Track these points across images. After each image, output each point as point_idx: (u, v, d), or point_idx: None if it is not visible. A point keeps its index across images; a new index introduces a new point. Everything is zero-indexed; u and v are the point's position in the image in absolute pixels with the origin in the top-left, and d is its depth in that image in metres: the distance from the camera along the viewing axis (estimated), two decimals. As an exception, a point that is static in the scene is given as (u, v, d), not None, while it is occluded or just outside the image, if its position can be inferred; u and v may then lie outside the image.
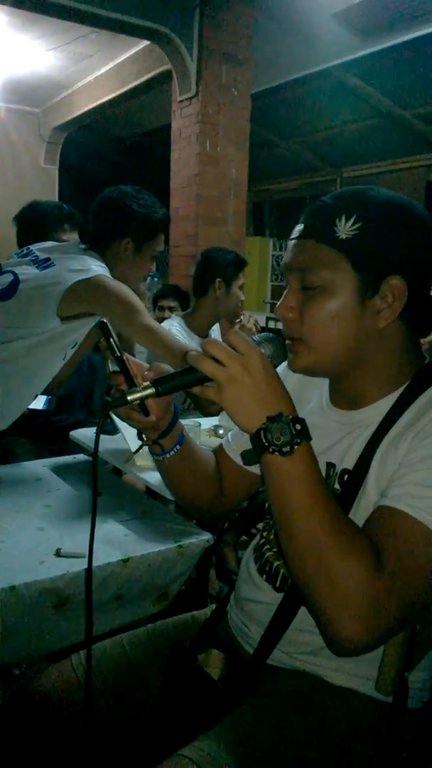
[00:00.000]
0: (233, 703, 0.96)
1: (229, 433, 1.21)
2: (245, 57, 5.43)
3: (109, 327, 0.91)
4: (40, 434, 2.35)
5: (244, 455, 0.85)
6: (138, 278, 1.98)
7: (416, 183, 9.21)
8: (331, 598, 0.75)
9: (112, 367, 0.93)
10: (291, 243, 0.94)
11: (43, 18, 5.33)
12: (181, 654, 1.07)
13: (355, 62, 6.36)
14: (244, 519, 2.64)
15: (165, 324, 2.66)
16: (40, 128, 8.87)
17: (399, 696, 0.92)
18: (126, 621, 1.39)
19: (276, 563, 1.04)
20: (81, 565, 1.28)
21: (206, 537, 1.48)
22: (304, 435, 0.78)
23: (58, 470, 1.87)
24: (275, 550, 1.05)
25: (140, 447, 1.06)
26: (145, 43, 5.88)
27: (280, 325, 0.97)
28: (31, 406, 2.08)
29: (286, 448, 0.77)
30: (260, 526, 1.19)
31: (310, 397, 1.08)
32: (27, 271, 1.82)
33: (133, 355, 1.36)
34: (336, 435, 0.98)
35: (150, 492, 1.83)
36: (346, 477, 0.94)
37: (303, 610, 0.92)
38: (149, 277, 2.14)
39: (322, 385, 1.06)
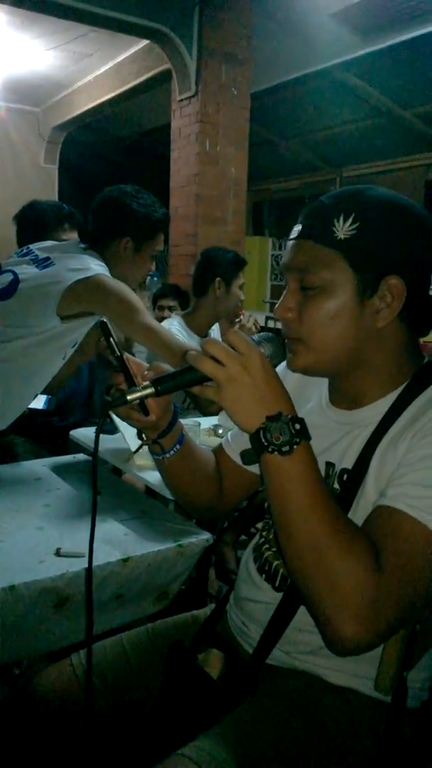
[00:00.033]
0: (233, 702, 0.96)
1: (229, 433, 1.21)
2: (245, 56, 5.43)
3: (109, 326, 0.91)
4: (40, 434, 2.35)
5: (244, 455, 0.85)
6: (138, 278, 1.98)
7: (416, 182, 9.21)
8: (330, 597, 0.75)
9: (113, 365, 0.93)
10: (290, 243, 0.94)
11: (42, 17, 5.32)
12: (181, 653, 1.07)
13: (355, 62, 6.36)
14: (243, 518, 2.64)
15: (165, 323, 2.66)
16: (40, 127, 8.87)
17: (398, 695, 0.93)
18: (126, 620, 1.39)
19: (275, 563, 1.04)
20: (80, 564, 1.28)
21: (206, 536, 1.48)
22: (304, 434, 0.79)
23: (58, 470, 1.87)
24: (275, 549, 1.05)
25: (140, 446, 1.06)
26: (145, 42, 5.88)
27: (279, 325, 0.98)
28: (31, 406, 2.08)
29: (286, 448, 0.77)
30: (260, 525, 1.19)
31: (310, 396, 1.08)
32: (27, 271, 1.82)
33: (133, 354, 1.36)
34: (335, 434, 0.98)
35: (149, 491, 1.83)
36: (345, 477, 0.94)
37: (302, 610, 0.92)
38: (149, 277, 2.14)
39: (322, 384, 1.06)
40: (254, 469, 1.10)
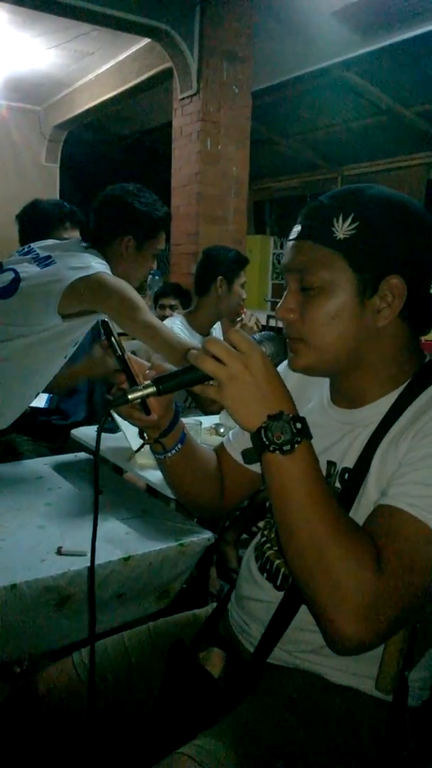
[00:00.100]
0: (234, 701, 0.96)
1: (230, 432, 1.21)
2: (246, 55, 5.43)
3: (111, 326, 0.91)
4: (41, 432, 2.35)
5: (245, 454, 0.85)
6: (139, 276, 1.98)
7: (417, 181, 9.20)
8: (331, 596, 0.75)
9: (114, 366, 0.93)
10: (289, 244, 0.94)
11: (44, 16, 5.32)
12: (182, 652, 1.07)
13: (356, 60, 6.36)
14: (245, 517, 2.64)
15: (167, 322, 2.66)
16: (42, 126, 8.87)
17: (399, 694, 0.93)
18: (127, 619, 1.39)
19: (277, 562, 1.04)
20: (82, 563, 1.28)
21: (207, 535, 1.49)
22: (305, 434, 0.79)
23: (59, 468, 1.87)
24: (276, 548, 1.05)
25: (141, 446, 1.06)
26: (146, 40, 5.88)
27: (280, 324, 0.98)
28: (33, 405, 2.09)
29: (287, 447, 0.77)
30: (261, 524, 1.19)
31: (311, 395, 1.08)
32: (28, 269, 1.82)
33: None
34: (337, 434, 0.98)
35: (151, 490, 1.83)
36: (346, 476, 0.94)
37: (303, 609, 0.92)
38: (150, 276, 2.14)
39: (323, 384, 1.06)
40: (256, 468, 1.10)
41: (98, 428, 0.88)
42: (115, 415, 1.38)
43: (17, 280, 1.80)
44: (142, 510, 1.60)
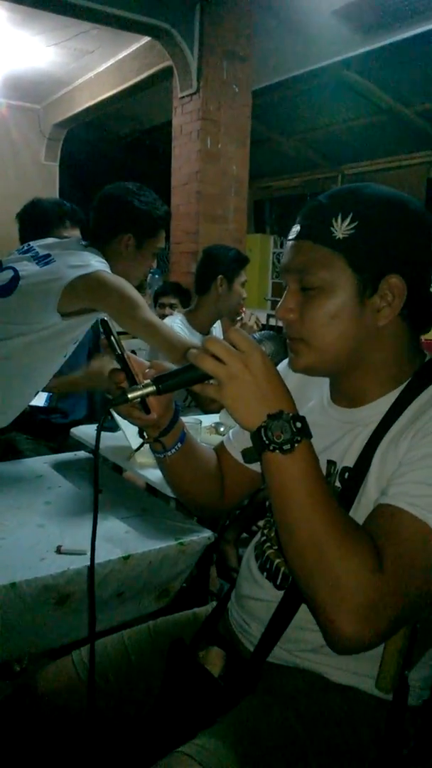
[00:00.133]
0: (233, 700, 0.96)
1: (230, 431, 1.21)
2: (246, 53, 5.42)
3: (110, 325, 0.91)
4: (40, 431, 2.35)
5: (245, 453, 0.85)
6: (139, 275, 1.98)
7: (417, 180, 9.19)
8: (331, 596, 0.75)
9: (113, 365, 0.93)
10: (288, 244, 0.94)
11: (43, 14, 5.31)
12: (182, 651, 1.07)
13: (356, 59, 6.35)
14: (245, 516, 2.63)
15: (167, 321, 2.66)
16: (41, 124, 8.86)
17: (399, 694, 0.93)
18: (127, 618, 1.39)
19: (277, 561, 1.04)
20: (82, 562, 1.28)
21: (207, 534, 1.49)
22: (305, 433, 0.78)
23: (59, 467, 1.87)
24: (276, 547, 1.05)
25: (141, 445, 1.06)
26: (146, 39, 5.87)
27: (281, 323, 0.97)
28: (32, 403, 2.08)
29: (287, 446, 0.77)
30: (261, 523, 1.19)
31: (311, 395, 1.08)
32: (27, 268, 1.82)
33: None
34: (337, 433, 0.98)
35: (150, 489, 1.83)
36: (346, 475, 0.94)
37: (303, 608, 0.92)
38: (150, 274, 2.15)
39: (323, 383, 1.06)
40: (256, 467, 1.10)
41: (98, 427, 0.88)
42: (115, 414, 1.38)
43: (16, 278, 1.80)
44: (142, 509, 1.60)
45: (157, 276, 6.12)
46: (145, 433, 1.03)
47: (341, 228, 0.87)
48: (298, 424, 0.78)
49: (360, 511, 0.88)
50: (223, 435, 1.51)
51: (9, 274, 1.82)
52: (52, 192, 8.75)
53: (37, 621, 1.25)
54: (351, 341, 0.91)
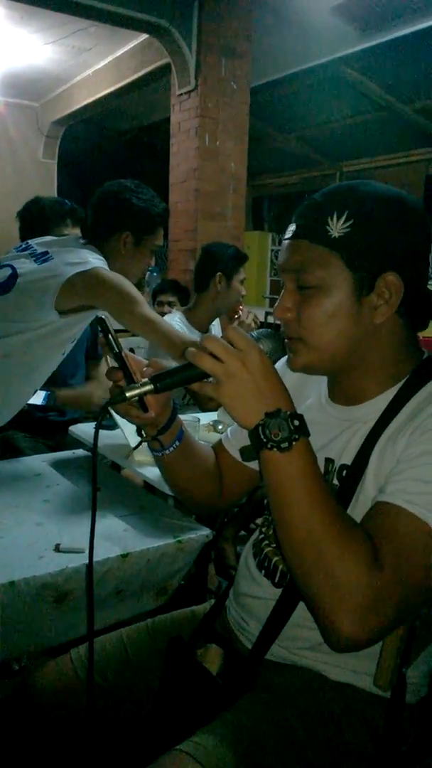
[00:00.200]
0: (232, 698, 0.96)
1: (228, 429, 1.21)
2: (244, 50, 5.41)
3: (108, 323, 0.91)
4: (38, 429, 2.35)
5: (243, 451, 0.85)
6: (137, 272, 1.98)
7: (416, 177, 9.19)
8: (328, 594, 0.75)
9: (111, 363, 0.93)
10: (285, 243, 0.94)
11: (41, 11, 5.30)
12: (180, 649, 1.07)
13: (355, 56, 6.33)
14: (243, 514, 2.64)
15: (166, 318, 2.66)
16: (39, 122, 8.84)
17: (397, 691, 0.93)
18: (125, 616, 1.39)
19: (275, 559, 1.04)
20: (80, 560, 1.28)
21: (205, 532, 1.49)
22: (303, 431, 0.78)
23: (57, 465, 1.87)
24: (274, 545, 1.05)
25: (139, 443, 1.06)
26: (144, 36, 5.86)
27: (278, 321, 0.97)
28: (30, 401, 2.08)
29: (285, 444, 0.77)
30: (259, 521, 1.19)
31: (309, 393, 1.08)
32: (25, 265, 1.82)
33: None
34: (335, 430, 0.98)
35: (148, 487, 1.83)
36: (344, 472, 0.94)
37: (301, 606, 0.92)
38: (148, 272, 2.15)
39: (321, 381, 1.06)
40: (254, 465, 1.10)
41: (96, 425, 0.88)
42: (113, 412, 1.38)
43: (14, 276, 1.80)
44: (140, 507, 1.60)
45: (155, 274, 6.12)
46: (143, 432, 1.03)
47: (337, 227, 0.87)
48: (296, 422, 0.78)
49: (358, 509, 0.88)
50: (222, 433, 1.51)
51: (7, 271, 1.82)
52: (50, 190, 8.74)
53: (35, 619, 1.25)
54: (349, 340, 0.91)
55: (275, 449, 0.77)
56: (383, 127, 8.51)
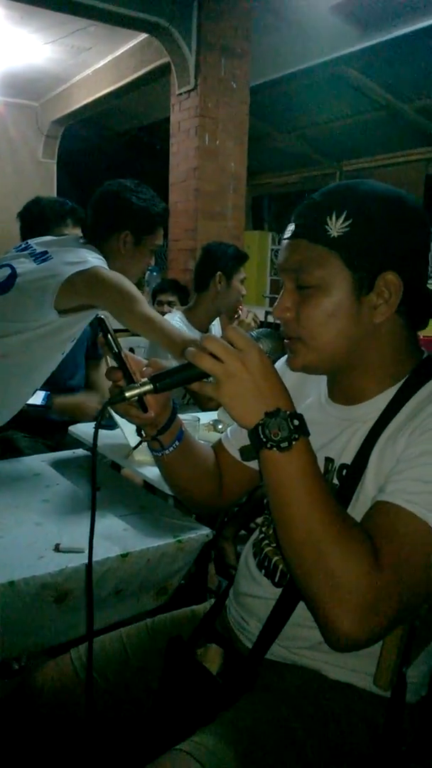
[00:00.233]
0: (232, 697, 0.96)
1: (228, 429, 1.21)
2: (244, 50, 5.41)
3: (107, 323, 0.91)
4: (37, 428, 2.35)
5: (243, 451, 0.85)
6: (137, 272, 1.97)
7: (416, 176, 9.19)
8: (328, 594, 0.75)
9: (111, 363, 0.93)
10: (284, 243, 0.94)
11: (40, 11, 5.30)
12: (180, 648, 1.07)
13: (354, 55, 6.33)
14: (243, 513, 2.64)
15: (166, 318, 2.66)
16: (38, 122, 8.84)
17: (397, 691, 0.93)
18: (125, 616, 1.39)
19: (275, 558, 1.04)
20: (80, 560, 1.28)
21: (205, 532, 1.49)
22: (302, 430, 0.78)
23: (57, 465, 1.87)
24: (274, 545, 1.05)
25: (139, 443, 1.06)
26: (144, 36, 5.85)
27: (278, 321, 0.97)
28: (29, 402, 2.08)
29: (284, 444, 0.77)
30: (259, 520, 1.19)
31: (309, 392, 1.08)
32: (24, 265, 1.82)
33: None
34: (335, 430, 0.98)
35: (148, 486, 1.83)
36: (344, 472, 0.94)
37: (301, 605, 0.92)
38: (148, 272, 2.15)
39: (321, 380, 1.06)
40: (254, 464, 1.10)
41: (96, 425, 0.88)
42: (113, 412, 1.38)
43: (13, 275, 1.80)
44: (140, 506, 1.60)
45: (155, 273, 6.12)
46: (143, 431, 1.03)
47: (336, 226, 0.87)
48: (296, 422, 0.78)
49: (358, 509, 0.88)
50: (222, 432, 1.51)
51: (6, 271, 1.82)
52: (49, 189, 8.74)
53: (35, 619, 1.25)
54: (348, 339, 0.91)
55: (275, 449, 0.77)
56: (383, 127, 8.51)
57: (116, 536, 1.42)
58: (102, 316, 0.92)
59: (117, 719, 1.08)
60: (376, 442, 0.90)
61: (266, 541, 1.08)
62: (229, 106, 5.38)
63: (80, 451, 2.03)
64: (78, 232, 2.24)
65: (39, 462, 1.90)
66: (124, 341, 3.03)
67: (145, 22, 5.14)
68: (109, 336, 0.91)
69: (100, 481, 1.72)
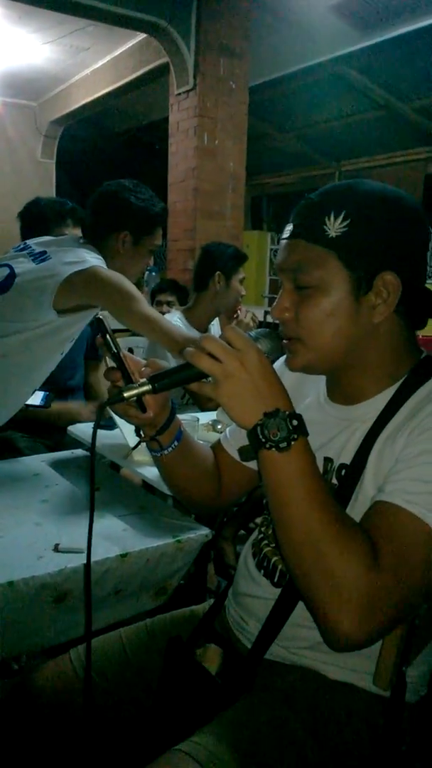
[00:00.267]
0: (231, 698, 0.96)
1: (227, 429, 1.21)
2: (242, 50, 5.41)
3: (106, 323, 0.91)
4: (37, 429, 2.35)
5: (242, 451, 0.85)
6: (136, 272, 1.97)
7: (415, 176, 9.20)
8: (327, 593, 0.75)
9: (109, 363, 0.93)
10: (282, 243, 0.94)
11: (39, 11, 5.30)
12: (179, 649, 1.07)
13: (353, 55, 6.34)
14: (242, 513, 2.64)
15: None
16: (37, 122, 8.84)
17: (397, 690, 0.93)
18: (124, 616, 1.39)
19: (274, 558, 1.04)
20: (79, 560, 1.28)
21: (204, 532, 1.48)
22: (301, 430, 0.78)
23: (56, 465, 1.87)
24: (273, 545, 1.05)
25: (138, 443, 1.06)
26: (142, 36, 5.85)
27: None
28: (28, 402, 2.08)
29: (283, 444, 0.77)
30: (258, 520, 1.19)
31: (308, 392, 1.08)
32: (23, 265, 1.82)
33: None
34: (333, 430, 0.98)
35: (147, 487, 1.83)
36: (343, 472, 0.94)
37: (301, 605, 0.92)
38: (147, 272, 2.15)
39: (320, 380, 1.06)
40: (253, 465, 1.10)
41: (94, 425, 0.88)
42: (112, 413, 1.38)
43: (12, 276, 1.80)
44: (139, 506, 1.60)
45: (154, 273, 6.12)
46: (141, 432, 1.03)
47: (334, 226, 0.87)
48: (295, 422, 0.78)
49: (357, 508, 0.88)
50: (221, 432, 1.51)
51: (5, 271, 1.82)
52: (48, 189, 8.74)
53: (34, 619, 1.25)
54: (347, 339, 0.91)
55: (274, 449, 0.77)
56: (382, 126, 8.52)
57: (115, 536, 1.41)
58: (101, 316, 0.92)
59: (116, 719, 1.08)
60: (375, 442, 0.90)
61: (265, 541, 1.08)
62: (228, 105, 5.38)
63: (79, 452, 2.03)
64: (78, 232, 2.24)
65: (38, 462, 1.90)
66: (123, 341, 3.02)
67: (144, 22, 5.14)
68: (108, 336, 0.91)
69: (99, 482, 1.72)
